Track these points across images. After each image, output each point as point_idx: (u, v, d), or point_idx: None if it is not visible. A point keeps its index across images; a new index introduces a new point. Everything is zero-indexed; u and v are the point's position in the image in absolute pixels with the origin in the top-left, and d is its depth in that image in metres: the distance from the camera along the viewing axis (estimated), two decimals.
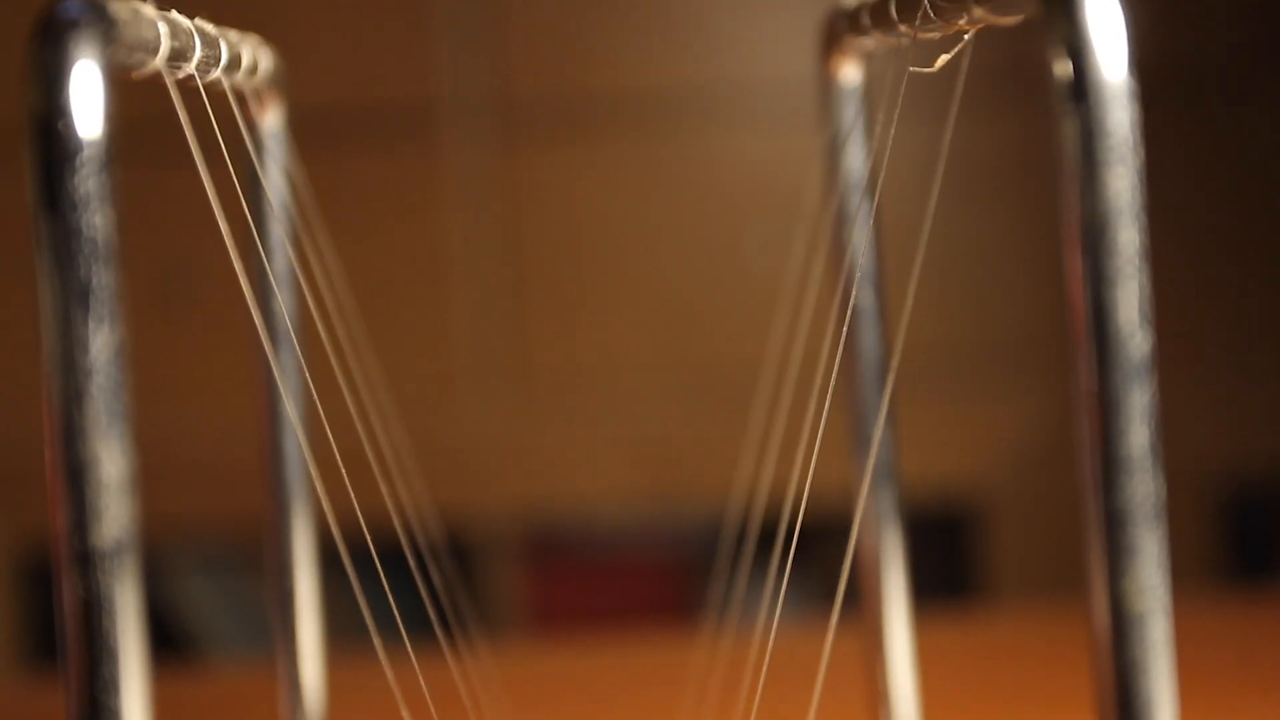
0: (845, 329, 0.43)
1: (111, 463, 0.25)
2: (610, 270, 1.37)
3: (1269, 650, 0.78)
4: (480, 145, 1.38)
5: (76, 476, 0.25)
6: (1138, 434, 0.26)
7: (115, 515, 0.25)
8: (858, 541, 0.45)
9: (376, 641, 0.40)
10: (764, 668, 0.42)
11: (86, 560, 0.25)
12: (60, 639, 0.26)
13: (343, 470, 0.38)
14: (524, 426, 1.37)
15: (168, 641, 1.37)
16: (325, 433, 0.40)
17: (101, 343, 0.25)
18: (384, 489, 0.45)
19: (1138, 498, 0.26)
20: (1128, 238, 0.26)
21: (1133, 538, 0.26)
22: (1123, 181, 0.26)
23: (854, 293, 0.43)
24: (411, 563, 0.46)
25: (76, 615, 0.25)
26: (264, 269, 0.43)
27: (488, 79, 1.38)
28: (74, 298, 0.25)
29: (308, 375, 0.43)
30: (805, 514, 0.43)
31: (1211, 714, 0.65)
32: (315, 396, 0.42)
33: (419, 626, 0.47)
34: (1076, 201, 0.26)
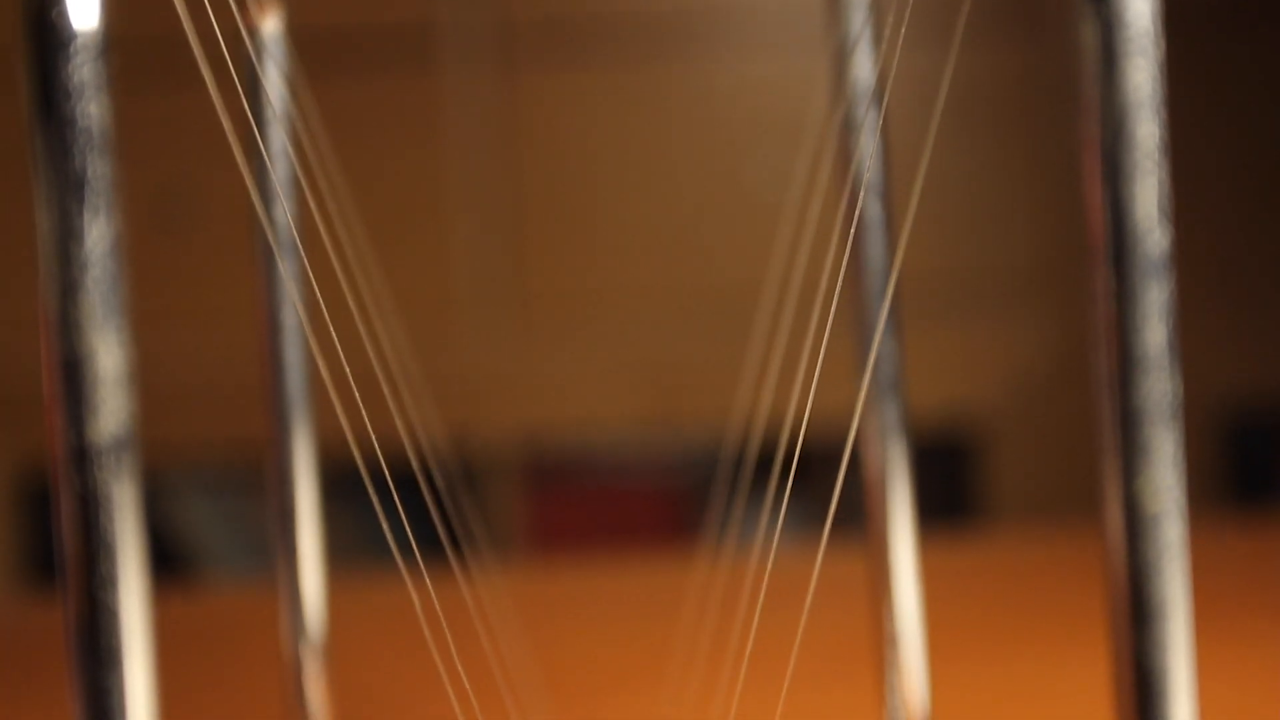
0: (851, 240, 0.42)
1: (108, 356, 0.24)
2: (610, 194, 1.37)
3: (1271, 575, 0.78)
4: (480, 69, 1.37)
5: (72, 371, 0.24)
6: (1155, 331, 0.25)
7: (113, 410, 0.24)
8: (863, 458, 0.45)
9: (396, 554, 0.40)
10: (763, 588, 0.41)
11: (83, 457, 0.24)
12: (57, 538, 0.25)
13: (352, 383, 0.38)
14: (524, 352, 1.37)
15: (168, 564, 1.37)
16: (334, 344, 0.39)
17: (97, 234, 0.24)
18: (391, 404, 0.45)
19: (1154, 396, 0.25)
20: (1147, 131, 0.25)
21: (1148, 437, 0.25)
22: (1143, 74, 0.25)
23: (860, 203, 0.43)
24: (420, 479, 0.46)
25: (73, 513, 0.24)
26: (267, 174, 0.43)
27: (488, 2, 1.37)
28: (69, 189, 0.24)
29: (314, 282, 0.43)
30: (809, 436, 0.43)
31: (1214, 637, 0.65)
32: (322, 303, 0.42)
33: (423, 545, 0.47)
34: (1095, 96, 0.26)
